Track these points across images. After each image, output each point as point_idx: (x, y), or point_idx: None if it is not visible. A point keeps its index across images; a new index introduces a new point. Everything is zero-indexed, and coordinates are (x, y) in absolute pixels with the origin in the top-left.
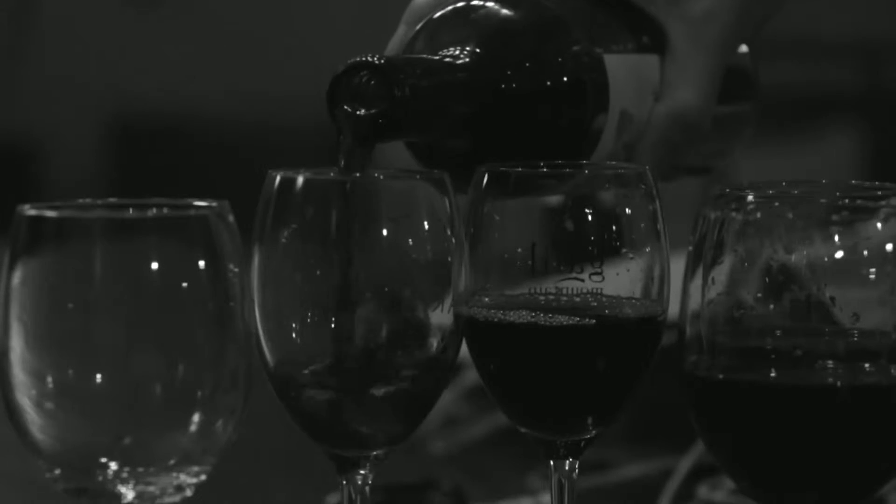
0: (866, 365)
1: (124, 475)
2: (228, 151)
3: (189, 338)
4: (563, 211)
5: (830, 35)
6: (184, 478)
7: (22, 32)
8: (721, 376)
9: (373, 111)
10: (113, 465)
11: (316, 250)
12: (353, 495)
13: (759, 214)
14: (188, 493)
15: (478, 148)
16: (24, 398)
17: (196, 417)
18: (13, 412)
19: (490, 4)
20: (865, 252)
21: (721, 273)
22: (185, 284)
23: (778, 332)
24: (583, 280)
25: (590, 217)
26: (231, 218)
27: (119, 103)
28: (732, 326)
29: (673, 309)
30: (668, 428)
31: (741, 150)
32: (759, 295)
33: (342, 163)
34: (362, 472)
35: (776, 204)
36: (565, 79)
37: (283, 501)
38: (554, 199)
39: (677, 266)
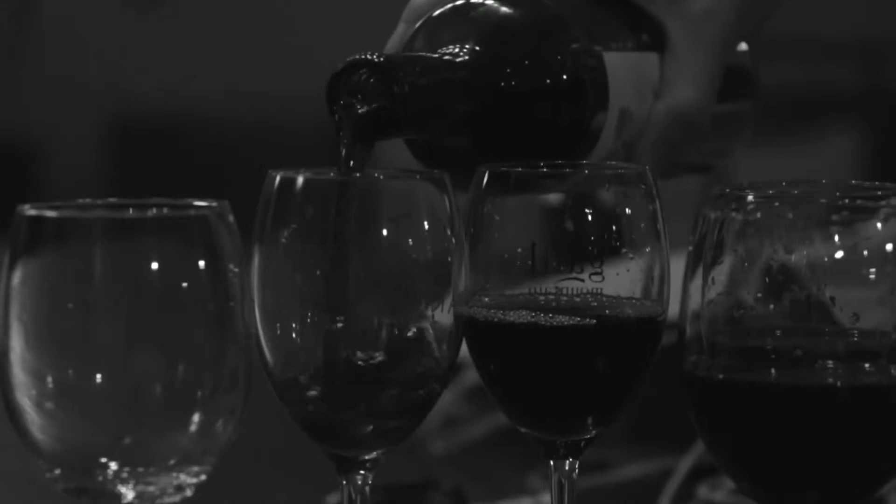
0: (866, 365)
1: (124, 475)
2: (228, 151)
3: (189, 338)
4: (563, 211)
5: (830, 35)
6: (184, 478)
7: (22, 32)
8: (721, 376)
9: (372, 108)
10: (113, 465)
11: (316, 250)
12: (353, 495)
13: (759, 214)
14: (188, 493)
15: (477, 146)
16: (24, 398)
17: (196, 417)
18: (13, 412)
19: (489, 2)
20: (865, 252)
21: (721, 273)
22: (185, 284)
23: (778, 332)
24: (583, 280)
25: (590, 217)
26: (231, 218)
27: (119, 103)
28: (732, 326)
29: (673, 309)
30: (668, 428)
31: (741, 150)
32: (759, 295)
33: (342, 161)
34: (362, 472)
35: (776, 204)
36: (565, 77)
37: (283, 501)
38: (554, 199)
39: (677, 266)
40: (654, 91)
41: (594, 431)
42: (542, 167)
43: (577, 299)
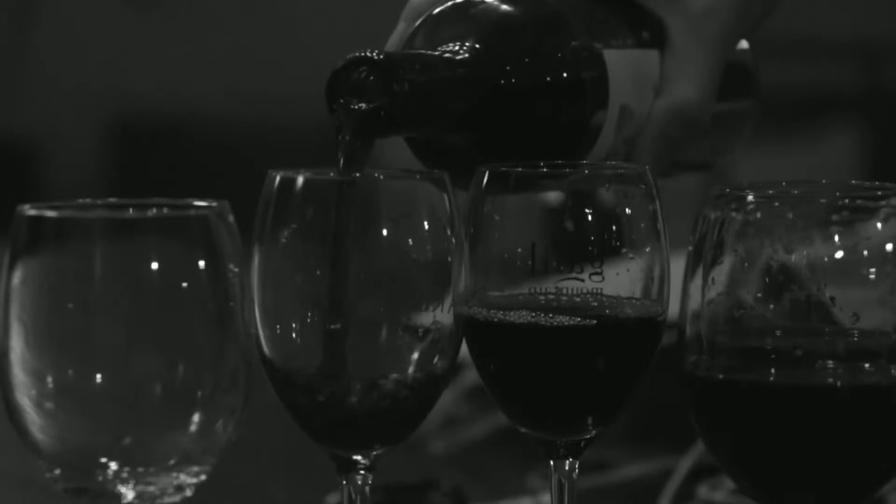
0: (866, 365)
1: (124, 475)
2: (228, 151)
3: (189, 338)
4: (563, 211)
5: (830, 35)
6: (184, 478)
7: (22, 32)
8: (721, 376)
9: (372, 106)
10: (113, 465)
11: (316, 250)
12: (353, 495)
13: (759, 214)
14: (188, 493)
15: (477, 143)
16: (24, 398)
17: (196, 417)
18: (13, 412)
19: (489, 0)
20: (865, 252)
21: (721, 273)
22: (185, 284)
23: (778, 332)
24: (583, 280)
25: (590, 217)
26: (231, 218)
27: (119, 103)
28: (732, 326)
29: (673, 309)
30: (668, 428)
31: (742, 149)
32: (759, 295)
33: (341, 159)
34: (362, 472)
35: (776, 204)
36: (565, 74)
37: (283, 501)
38: (554, 199)
39: (677, 266)
40: (654, 88)
41: (594, 431)
42: (542, 167)
43: (578, 299)
